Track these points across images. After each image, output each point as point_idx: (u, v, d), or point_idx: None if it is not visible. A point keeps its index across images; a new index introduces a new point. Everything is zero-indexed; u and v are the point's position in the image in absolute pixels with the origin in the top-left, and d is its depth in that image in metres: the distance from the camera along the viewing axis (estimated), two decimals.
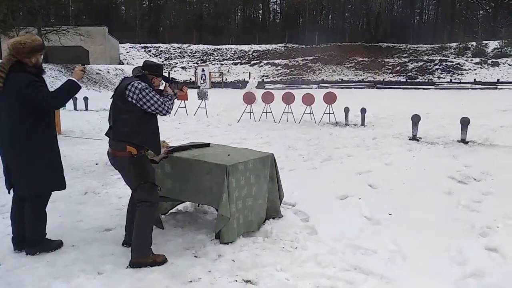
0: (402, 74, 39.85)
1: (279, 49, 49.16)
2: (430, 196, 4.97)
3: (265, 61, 45.62)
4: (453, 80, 36.06)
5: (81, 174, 6.02)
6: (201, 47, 50.20)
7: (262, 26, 65.65)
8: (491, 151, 7.47)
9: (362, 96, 24.14)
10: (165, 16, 62.75)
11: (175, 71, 43.10)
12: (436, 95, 25.41)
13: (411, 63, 41.63)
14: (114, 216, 4.24)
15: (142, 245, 3.14)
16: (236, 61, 46.62)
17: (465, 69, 38.42)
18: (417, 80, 37.59)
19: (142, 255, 3.13)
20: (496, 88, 31.07)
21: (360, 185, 5.47)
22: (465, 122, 8.32)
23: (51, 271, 3.05)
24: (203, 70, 15.60)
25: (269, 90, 14.25)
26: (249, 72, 40.92)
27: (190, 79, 34.56)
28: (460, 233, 3.83)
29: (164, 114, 3.17)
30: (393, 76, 39.53)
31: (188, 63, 45.99)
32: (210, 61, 45.80)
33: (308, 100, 12.34)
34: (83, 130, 10.38)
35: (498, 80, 34.10)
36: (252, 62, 45.90)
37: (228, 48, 49.74)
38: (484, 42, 42.74)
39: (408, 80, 37.39)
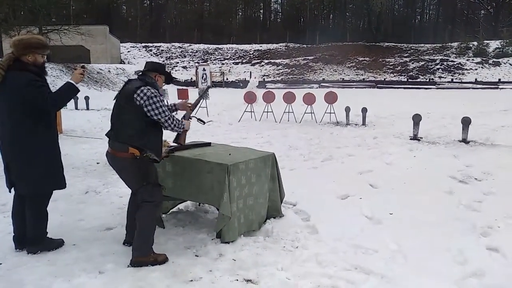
0: (403, 74, 39.80)
1: (280, 48, 49.14)
2: (431, 195, 4.97)
3: (266, 61, 45.59)
4: (454, 80, 36.01)
5: (82, 173, 6.02)
6: (202, 46, 50.18)
7: (263, 25, 65.59)
8: (492, 151, 7.46)
9: (363, 95, 24.13)
10: (166, 15, 62.76)
11: (176, 70, 43.09)
12: (437, 95, 25.38)
13: (412, 63, 41.57)
14: (115, 215, 4.24)
15: (143, 244, 3.15)
16: (237, 61, 46.60)
17: (466, 69, 38.35)
18: (418, 79, 37.54)
19: (143, 254, 3.13)
20: (497, 88, 31.02)
21: (361, 184, 5.47)
22: (466, 122, 8.31)
23: (52, 270, 3.05)
24: (204, 69, 15.58)
25: (270, 90, 14.26)
26: (250, 72, 40.94)
27: (191, 78, 34.56)
28: (461, 233, 3.83)
29: (166, 128, 3.17)
30: (394, 76, 39.48)
31: (189, 62, 45.98)
32: (211, 60, 45.80)
33: (309, 99, 12.33)
34: (84, 129, 10.39)
35: (499, 80, 34.04)
36: (253, 62, 45.87)
37: (229, 48, 49.72)
38: (485, 41, 42.68)
39: (409, 80, 37.33)
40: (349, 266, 3.18)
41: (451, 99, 21.39)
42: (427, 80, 37.02)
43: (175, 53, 48.71)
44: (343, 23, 58.82)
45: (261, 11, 68.99)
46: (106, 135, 3.28)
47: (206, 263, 3.20)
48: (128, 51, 47.40)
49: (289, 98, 12.50)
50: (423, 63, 40.95)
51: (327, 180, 5.67)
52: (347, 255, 3.36)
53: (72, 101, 14.22)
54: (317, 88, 31.38)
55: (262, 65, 44.63)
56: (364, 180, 5.70)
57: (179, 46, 50.17)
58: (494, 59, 39.24)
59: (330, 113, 12.09)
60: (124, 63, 41.73)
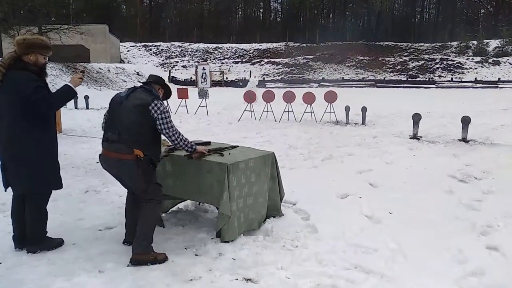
0: (403, 73, 39.76)
1: (280, 47, 49.08)
2: (431, 195, 4.97)
3: (266, 60, 45.54)
4: (454, 79, 35.97)
5: (82, 172, 6.02)
6: (201, 45, 50.11)
7: (263, 24, 65.57)
8: (492, 150, 7.46)
9: (363, 95, 24.11)
10: (165, 14, 62.68)
11: (176, 69, 43.04)
12: (437, 94, 25.37)
13: (412, 62, 41.52)
14: (115, 215, 4.24)
15: (144, 242, 3.16)
16: (237, 60, 46.55)
17: (466, 68, 38.32)
18: (418, 79, 37.50)
19: (143, 250, 3.14)
20: (497, 87, 31.01)
21: (360, 183, 5.47)
22: (466, 121, 8.31)
23: (52, 269, 3.05)
24: (203, 69, 15.55)
25: (270, 89, 14.25)
26: (250, 71, 40.91)
27: (191, 77, 34.53)
28: (461, 232, 3.83)
29: (171, 142, 3.32)
30: (394, 75, 39.43)
31: (189, 61, 45.90)
32: (211, 59, 45.74)
33: (309, 99, 12.33)
34: (84, 129, 10.39)
35: (499, 79, 33.99)
36: (253, 61, 45.83)
37: (229, 47, 49.66)
38: (485, 41, 42.62)
39: (409, 79, 37.29)
40: (349, 265, 3.18)
41: (451, 98, 21.39)
42: (427, 79, 36.99)
43: (174, 52, 48.64)
44: (343, 22, 58.81)
45: (261, 10, 69.05)
46: (107, 137, 3.22)
47: (206, 262, 3.20)
48: (128, 51, 47.34)
49: (289, 97, 12.50)
50: (423, 62, 40.91)
51: (327, 179, 5.67)
52: (347, 254, 3.36)
53: (72, 100, 14.21)
54: (317, 87, 31.35)
55: (262, 64, 44.59)
56: (364, 179, 5.70)
57: (179, 45, 50.10)
58: (494, 58, 39.20)
59: (330, 112, 12.09)
60: (124, 62, 41.63)
